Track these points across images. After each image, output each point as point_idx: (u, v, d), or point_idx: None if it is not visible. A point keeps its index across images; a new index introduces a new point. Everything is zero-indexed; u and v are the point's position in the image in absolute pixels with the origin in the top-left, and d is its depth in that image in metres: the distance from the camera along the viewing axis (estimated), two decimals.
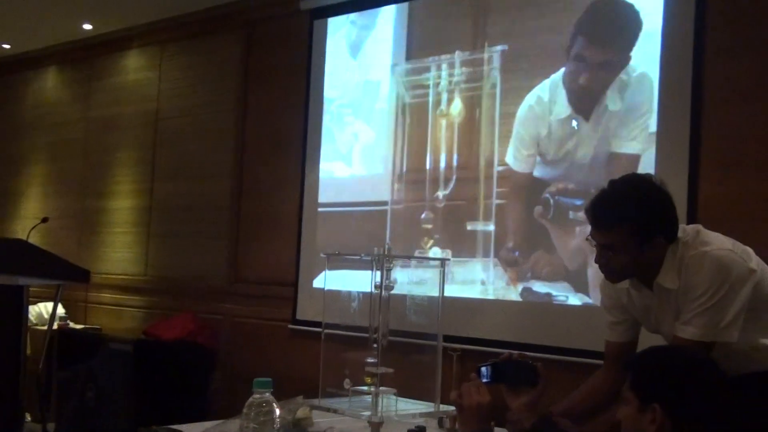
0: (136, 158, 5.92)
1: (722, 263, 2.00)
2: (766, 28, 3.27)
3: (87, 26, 6.02)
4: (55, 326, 4.56)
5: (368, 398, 2.46)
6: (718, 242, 2.07)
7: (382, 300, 2.44)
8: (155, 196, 5.76)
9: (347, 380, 2.44)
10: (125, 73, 6.11)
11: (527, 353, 2.28)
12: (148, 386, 4.78)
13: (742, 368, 2.06)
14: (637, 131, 3.56)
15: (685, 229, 2.12)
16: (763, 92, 3.26)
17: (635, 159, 3.55)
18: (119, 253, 5.95)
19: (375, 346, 2.43)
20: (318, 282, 4.56)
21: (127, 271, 5.87)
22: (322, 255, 2.93)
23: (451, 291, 3.93)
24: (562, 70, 3.81)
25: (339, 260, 3.21)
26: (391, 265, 2.42)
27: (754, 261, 2.08)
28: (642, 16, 3.59)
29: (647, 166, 3.47)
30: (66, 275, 3.89)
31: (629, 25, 3.62)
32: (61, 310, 5.56)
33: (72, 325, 5.84)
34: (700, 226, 2.15)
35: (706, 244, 2.05)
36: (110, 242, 6.03)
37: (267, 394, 1.64)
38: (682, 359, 1.72)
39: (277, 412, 1.63)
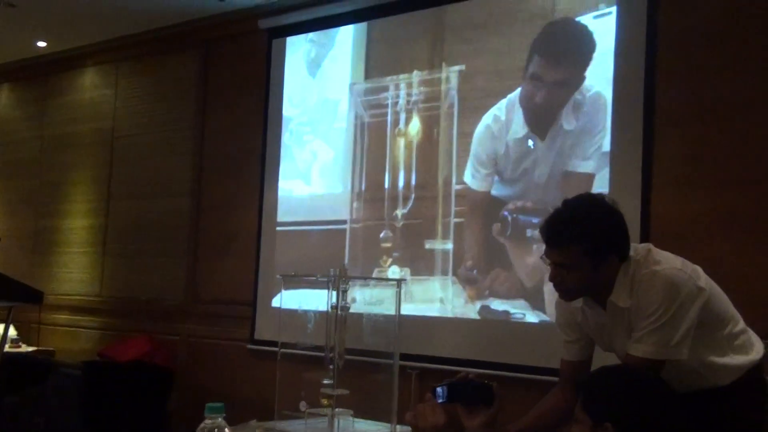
0: (92, 177, 5.84)
1: (672, 282, 2.03)
2: (714, 51, 3.35)
3: (41, 44, 5.94)
4: (6, 348, 4.46)
5: (325, 420, 2.44)
6: (669, 261, 2.10)
7: (338, 320, 2.43)
8: (111, 215, 5.68)
9: (303, 402, 2.42)
10: (80, 91, 6.04)
11: (485, 371, 2.29)
12: (101, 410, 4.69)
13: (692, 385, 2.09)
14: (591, 150, 3.61)
15: (636, 248, 2.14)
16: (711, 113, 3.33)
17: (590, 178, 3.59)
18: (74, 273, 5.85)
19: (331, 367, 2.42)
20: (277, 301, 4.53)
21: (81, 292, 5.77)
22: (278, 277, 2.91)
23: (410, 309, 3.95)
24: (519, 89, 3.86)
25: (296, 280, 3.20)
26: (347, 286, 2.41)
27: (703, 279, 2.11)
28: (596, 37, 3.65)
29: (602, 184, 3.53)
30: (18, 296, 3.82)
31: (583, 46, 3.68)
32: (13, 332, 5.43)
33: (24, 347, 5.72)
34: (651, 245, 2.18)
35: (657, 263, 2.08)
36: (64, 262, 5.93)
37: (219, 419, 1.61)
38: (632, 378, 1.74)
39: None
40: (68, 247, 5.92)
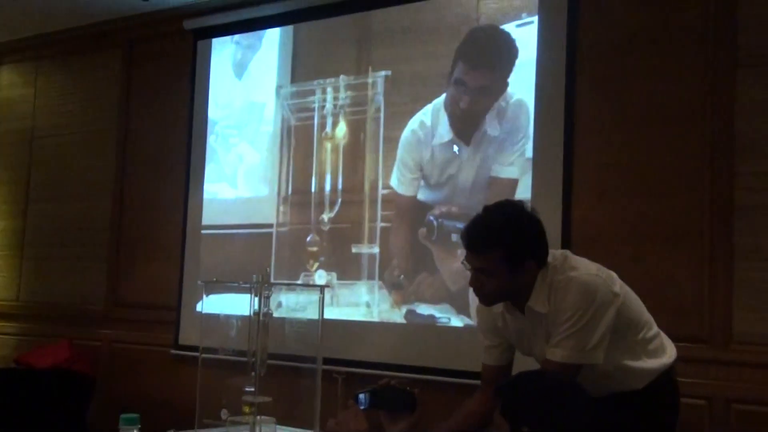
0: (9, 178, 5.66)
1: (588, 288, 2.08)
2: (632, 62, 3.44)
3: None
4: None
5: (246, 429, 2.42)
6: (584, 267, 2.16)
7: (260, 327, 2.41)
8: (29, 217, 5.51)
9: (224, 410, 2.39)
10: None
11: (408, 375, 2.31)
12: (17, 420, 4.54)
13: (608, 389, 2.15)
14: (514, 156, 3.67)
15: (554, 254, 2.19)
16: (629, 122, 3.42)
17: (513, 183, 3.65)
18: None
19: (253, 374, 2.40)
20: (200, 306, 4.46)
21: None
22: (199, 283, 2.87)
23: (336, 314, 3.95)
24: (444, 95, 3.90)
25: (219, 285, 3.16)
26: (270, 292, 2.39)
27: (618, 285, 2.18)
28: (518, 45, 3.71)
29: (525, 190, 3.59)
30: None
31: (506, 53, 3.74)
32: None
33: None
34: (568, 252, 2.24)
35: (573, 269, 2.13)
36: None
37: (134, 430, 1.59)
38: (548, 384, 1.78)
39: None
40: None
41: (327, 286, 3.40)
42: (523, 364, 2.29)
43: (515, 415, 1.71)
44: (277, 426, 2.53)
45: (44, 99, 5.57)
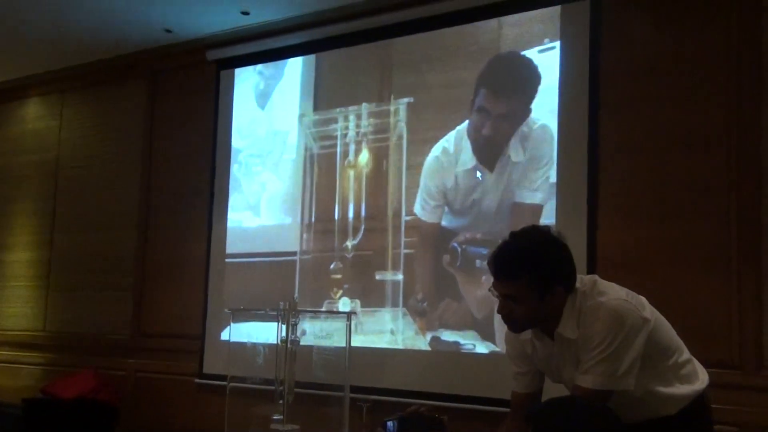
0: (35, 209, 5.72)
1: (617, 313, 2.06)
2: (655, 85, 3.44)
3: None
4: None
5: None
6: (614, 292, 2.13)
7: (287, 354, 2.41)
8: (55, 248, 5.56)
9: None
10: (23, 122, 5.93)
11: (435, 403, 2.29)
12: None
13: (640, 415, 2.11)
14: (539, 182, 3.66)
15: (582, 279, 2.17)
16: (652, 144, 3.41)
17: (538, 209, 3.64)
18: (15, 308, 5.70)
19: (281, 402, 2.39)
20: (226, 334, 4.46)
21: (24, 327, 5.62)
22: (226, 311, 2.88)
23: (361, 341, 3.93)
24: (467, 122, 3.91)
25: (246, 313, 3.17)
26: (297, 319, 2.39)
27: (648, 310, 2.15)
28: (541, 70, 3.72)
29: (549, 215, 3.58)
30: None
31: (529, 79, 3.75)
32: None
33: None
34: (596, 277, 2.22)
35: (602, 294, 2.11)
36: (6, 297, 5.77)
37: None
38: (579, 409, 1.76)
39: None
40: (10, 281, 5.77)
41: (353, 312, 3.39)
42: (553, 391, 2.26)
43: None
44: None
45: (70, 131, 5.64)
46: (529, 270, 2.08)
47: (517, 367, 2.33)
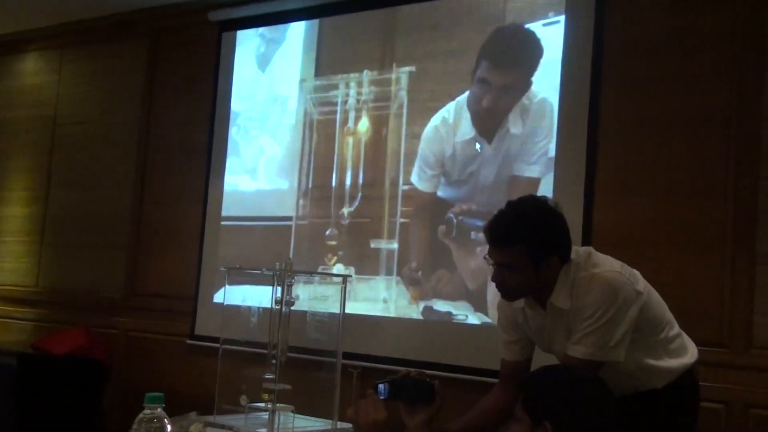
0: (31, 165, 5.70)
1: (611, 285, 2.08)
2: (658, 64, 3.43)
3: None
4: None
5: (265, 415, 2.43)
6: (608, 264, 2.15)
7: (282, 316, 2.42)
8: (50, 204, 5.54)
9: (244, 396, 2.41)
10: (21, 77, 5.88)
11: (426, 371, 2.30)
12: (34, 403, 4.58)
13: (629, 387, 2.14)
14: (537, 155, 3.67)
15: (577, 251, 2.19)
16: (653, 125, 3.41)
17: (535, 182, 3.65)
18: (9, 263, 5.69)
19: (273, 362, 2.41)
20: (219, 297, 4.48)
21: (17, 282, 5.62)
22: (222, 269, 2.89)
23: (354, 308, 3.94)
24: (467, 92, 3.90)
25: (240, 275, 3.18)
26: (293, 281, 2.40)
27: (641, 284, 2.17)
28: (543, 44, 3.71)
29: (546, 189, 3.58)
30: None
31: (531, 52, 3.73)
32: None
33: None
34: (591, 249, 2.23)
35: (597, 266, 2.13)
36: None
37: (159, 409, 1.60)
38: (571, 378, 1.78)
39: (169, 428, 1.59)
40: (4, 237, 5.76)
41: (349, 276, 3.40)
42: (542, 360, 2.28)
43: (537, 408, 1.70)
44: (295, 415, 2.54)
45: (68, 86, 5.60)
46: (525, 238, 2.10)
47: (508, 335, 2.35)
